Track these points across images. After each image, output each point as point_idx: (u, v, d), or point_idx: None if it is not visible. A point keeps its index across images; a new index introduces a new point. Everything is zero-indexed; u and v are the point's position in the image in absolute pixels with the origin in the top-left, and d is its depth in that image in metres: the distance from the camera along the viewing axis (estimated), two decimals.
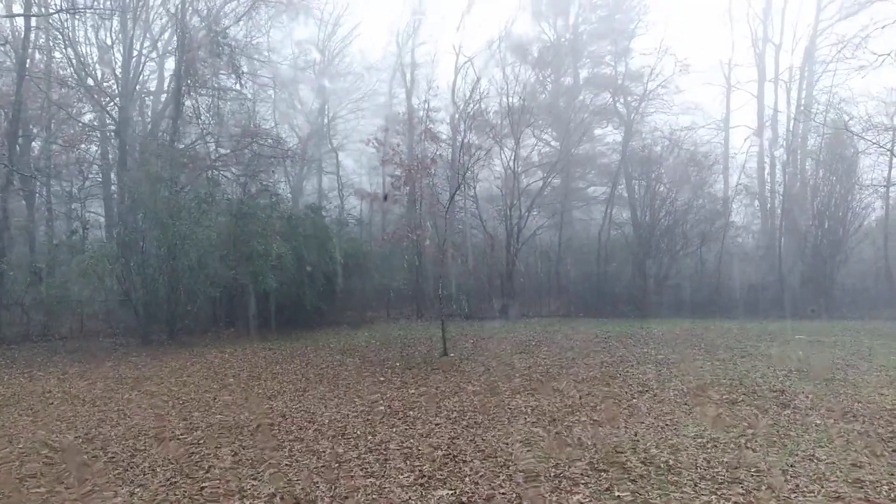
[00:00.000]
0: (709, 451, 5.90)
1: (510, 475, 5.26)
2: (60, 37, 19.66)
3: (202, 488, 5.12)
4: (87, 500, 4.97)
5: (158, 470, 5.61)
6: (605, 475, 5.24)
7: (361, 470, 5.51)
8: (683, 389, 8.85)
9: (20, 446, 6.50)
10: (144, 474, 5.51)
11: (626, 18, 29.49)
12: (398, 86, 30.87)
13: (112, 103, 20.95)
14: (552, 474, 5.28)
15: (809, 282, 23.46)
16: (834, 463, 5.48)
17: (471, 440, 6.40)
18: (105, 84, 21.42)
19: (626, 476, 5.21)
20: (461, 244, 24.21)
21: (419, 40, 30.20)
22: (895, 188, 23.90)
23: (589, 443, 6.22)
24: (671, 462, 5.56)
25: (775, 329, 17.07)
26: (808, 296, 23.10)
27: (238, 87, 22.57)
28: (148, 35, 22.50)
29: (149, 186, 15.95)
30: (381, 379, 10.28)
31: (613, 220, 27.15)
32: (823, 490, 4.86)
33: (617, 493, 4.84)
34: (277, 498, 4.90)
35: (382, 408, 8.06)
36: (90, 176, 23.67)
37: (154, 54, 23.63)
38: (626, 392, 8.76)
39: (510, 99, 24.74)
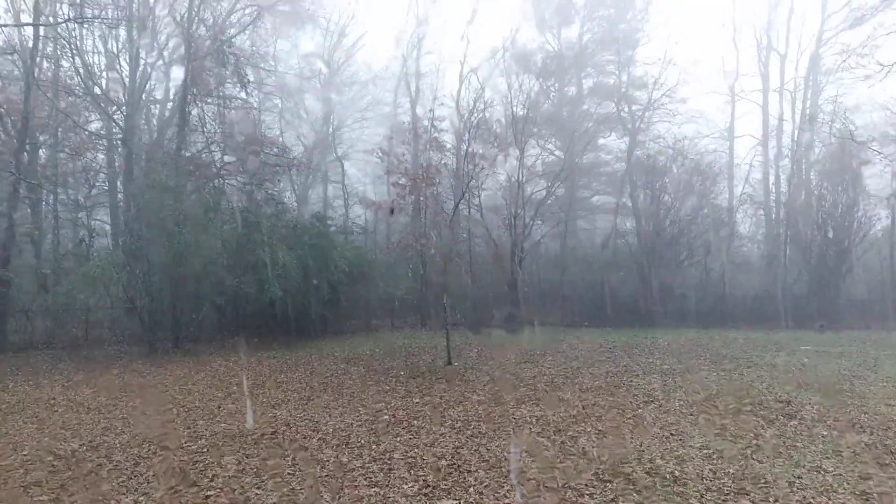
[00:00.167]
0: (715, 462, 5.87)
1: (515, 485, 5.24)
2: (68, 46, 19.85)
3: (206, 497, 5.13)
4: None
5: (162, 478, 5.62)
6: (610, 486, 5.22)
7: (365, 479, 5.50)
8: (689, 400, 8.82)
9: (25, 454, 6.52)
10: (149, 482, 5.52)
11: (629, 28, 29.65)
12: (403, 95, 31.04)
13: (119, 112, 21.16)
14: (557, 485, 5.25)
15: (815, 292, 23.37)
16: (841, 475, 5.45)
17: (475, 450, 6.38)
18: (112, 93, 21.64)
19: (631, 487, 5.19)
20: (465, 253, 24.22)
21: (424, 50, 30.39)
22: None
23: (594, 453, 6.19)
24: (677, 473, 5.54)
25: (781, 339, 16.99)
26: (813, 306, 23.01)
27: (244, 95, 22.79)
28: (154, 44, 22.73)
29: (154, 195, 16.06)
30: (386, 388, 10.27)
31: (618, 230, 27.13)
32: (831, 502, 4.84)
33: None
34: None
35: (387, 417, 8.04)
36: (96, 184, 23.79)
37: (160, 63, 23.87)
38: (632, 402, 8.73)
39: (514, 108, 24.86)
